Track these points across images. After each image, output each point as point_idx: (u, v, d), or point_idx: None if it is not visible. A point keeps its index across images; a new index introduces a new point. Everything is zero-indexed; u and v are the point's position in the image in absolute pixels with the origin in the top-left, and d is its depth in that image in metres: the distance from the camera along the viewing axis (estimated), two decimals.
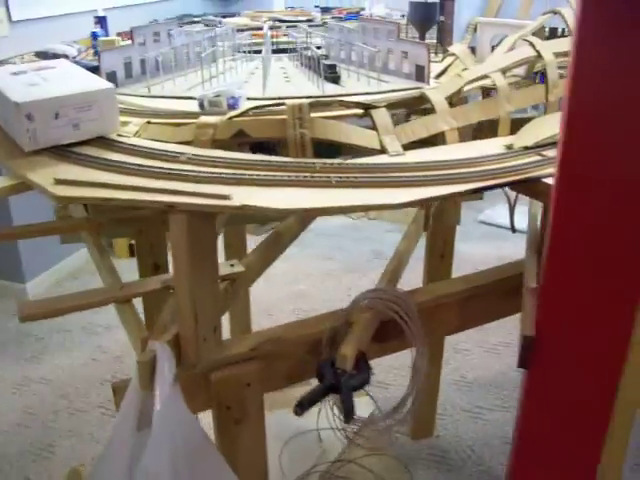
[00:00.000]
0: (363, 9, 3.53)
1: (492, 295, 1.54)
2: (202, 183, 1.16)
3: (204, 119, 1.34)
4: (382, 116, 1.36)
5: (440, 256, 2.15)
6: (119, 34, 3.20)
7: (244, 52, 2.00)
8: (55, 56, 2.71)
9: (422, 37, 2.06)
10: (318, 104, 1.34)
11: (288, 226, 1.61)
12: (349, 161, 1.25)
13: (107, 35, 2.89)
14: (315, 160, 1.23)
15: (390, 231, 3.91)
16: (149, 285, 1.33)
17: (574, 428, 1.26)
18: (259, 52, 1.99)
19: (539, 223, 1.62)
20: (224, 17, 3.71)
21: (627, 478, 1.32)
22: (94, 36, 2.75)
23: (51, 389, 2.61)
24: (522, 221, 3.82)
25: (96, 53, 2.78)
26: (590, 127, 1.03)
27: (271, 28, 2.30)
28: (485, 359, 2.84)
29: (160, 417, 1.12)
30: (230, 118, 1.33)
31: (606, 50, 0.98)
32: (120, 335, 2.93)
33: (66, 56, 2.69)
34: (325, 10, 3.60)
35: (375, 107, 1.37)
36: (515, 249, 3.60)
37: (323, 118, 1.33)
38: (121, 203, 1.11)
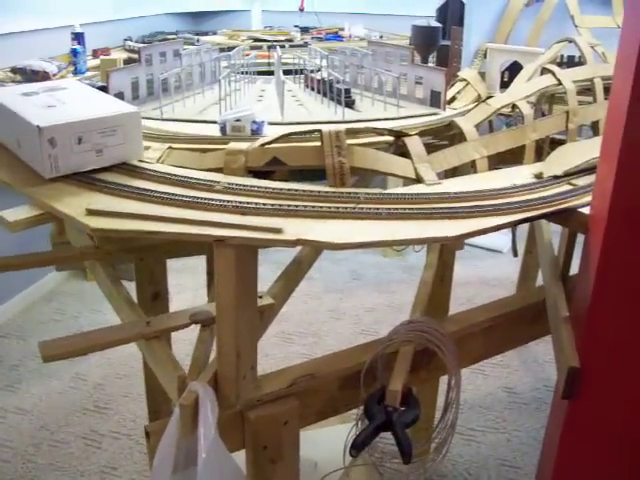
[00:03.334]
0: (342, 29, 3.53)
1: (514, 323, 1.54)
2: (244, 214, 1.11)
3: (234, 145, 1.29)
4: (415, 144, 1.34)
5: (440, 280, 2.14)
6: (95, 51, 3.12)
7: (246, 73, 1.95)
8: (33, 72, 2.61)
9: (424, 61, 2.05)
10: (352, 131, 1.31)
11: (305, 254, 1.57)
12: (391, 191, 1.22)
13: (85, 52, 2.79)
14: (358, 190, 1.19)
15: (365, 252, 3.89)
16: (177, 320, 1.27)
17: (617, 461, 1.25)
18: (262, 73, 1.95)
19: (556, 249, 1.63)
20: (197, 34, 3.66)
21: None
22: (74, 53, 2.65)
23: (29, 420, 2.48)
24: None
25: (77, 70, 2.69)
26: None
27: (269, 48, 2.25)
28: (472, 380, 2.83)
29: (206, 464, 1.05)
30: (262, 145, 1.28)
31: None
32: (99, 362, 2.82)
33: (45, 73, 2.59)
34: (304, 30, 3.58)
35: (407, 134, 1.35)
36: (490, 269, 3.68)
37: (356, 145, 1.30)
38: (165, 237, 1.05)
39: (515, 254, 2.08)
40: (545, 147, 1.76)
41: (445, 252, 1.96)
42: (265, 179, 1.27)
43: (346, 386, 1.32)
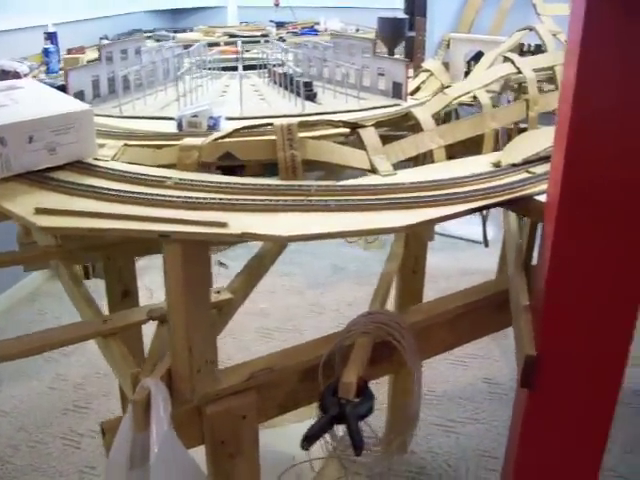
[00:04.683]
0: (318, 23, 3.52)
1: (481, 311, 1.53)
2: (193, 210, 1.10)
3: (187, 141, 1.29)
4: (370, 135, 1.33)
5: (412, 272, 2.14)
6: (69, 50, 3.09)
7: (210, 69, 1.94)
8: (4, 73, 2.59)
9: (391, 52, 2.05)
10: (306, 124, 1.30)
11: (268, 249, 1.57)
12: (343, 183, 1.22)
13: (58, 51, 2.77)
14: (310, 183, 1.19)
15: (345, 246, 3.89)
16: (134, 317, 1.26)
17: (576, 444, 1.25)
18: (227, 69, 1.94)
19: (519, 238, 1.63)
20: (175, 32, 3.64)
21: None
22: (46, 53, 2.63)
23: (8, 422, 2.48)
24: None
25: (49, 70, 2.68)
26: (596, 138, 1.01)
27: (227, 43, 2.25)
28: (452, 371, 2.83)
29: (158, 459, 1.05)
30: (215, 140, 1.28)
31: (616, 53, 0.94)
32: (80, 361, 2.81)
33: (17, 73, 2.57)
34: (280, 25, 3.57)
35: (363, 126, 1.34)
36: (472, 260, 3.67)
37: (312, 138, 1.29)
38: (110, 233, 1.05)
39: (486, 244, 2.08)
40: (513, 136, 1.76)
41: (413, 244, 1.96)
42: (235, 175, 1.27)
43: (306, 379, 1.32)
